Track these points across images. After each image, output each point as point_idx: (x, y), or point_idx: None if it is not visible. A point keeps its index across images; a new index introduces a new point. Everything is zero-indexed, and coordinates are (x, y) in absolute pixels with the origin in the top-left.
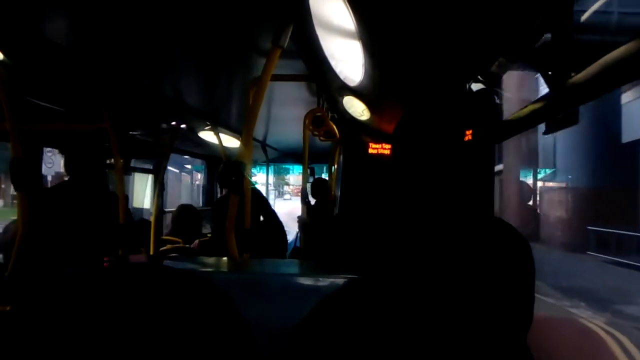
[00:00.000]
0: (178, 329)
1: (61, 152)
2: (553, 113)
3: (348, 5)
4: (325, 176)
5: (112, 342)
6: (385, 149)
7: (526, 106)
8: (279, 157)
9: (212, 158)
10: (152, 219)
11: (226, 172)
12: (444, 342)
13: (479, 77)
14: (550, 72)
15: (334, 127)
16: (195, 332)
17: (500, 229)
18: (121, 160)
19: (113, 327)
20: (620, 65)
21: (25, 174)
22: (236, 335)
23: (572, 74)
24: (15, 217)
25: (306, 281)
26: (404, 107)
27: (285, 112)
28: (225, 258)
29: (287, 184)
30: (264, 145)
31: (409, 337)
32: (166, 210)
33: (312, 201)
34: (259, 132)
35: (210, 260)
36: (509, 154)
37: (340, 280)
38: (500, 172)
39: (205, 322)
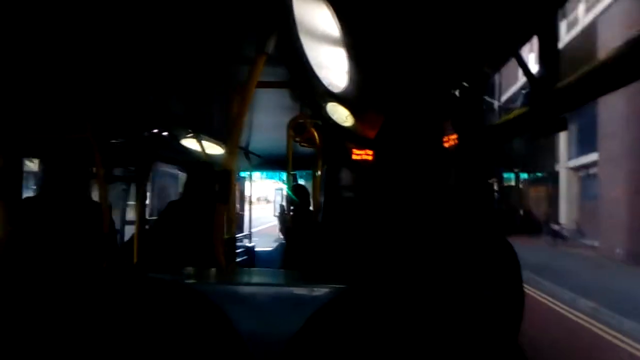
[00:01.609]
0: (170, 342)
1: (42, 161)
2: (539, 118)
3: (333, 12)
4: (309, 182)
5: (105, 355)
6: (368, 155)
7: (512, 111)
8: (262, 164)
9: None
10: (135, 228)
11: (207, 179)
12: (438, 348)
13: (464, 83)
14: (536, 77)
15: (315, 133)
16: (188, 344)
17: (485, 234)
18: (103, 170)
19: (106, 340)
20: (606, 71)
21: (5, 183)
22: (231, 347)
23: (559, 80)
24: None
25: (294, 291)
26: (387, 112)
27: (268, 118)
28: (211, 269)
29: None
30: (246, 152)
31: (403, 344)
32: (149, 219)
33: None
34: (241, 138)
35: (198, 270)
36: (609, 137)
37: (327, 290)
38: (591, 164)
39: (199, 334)
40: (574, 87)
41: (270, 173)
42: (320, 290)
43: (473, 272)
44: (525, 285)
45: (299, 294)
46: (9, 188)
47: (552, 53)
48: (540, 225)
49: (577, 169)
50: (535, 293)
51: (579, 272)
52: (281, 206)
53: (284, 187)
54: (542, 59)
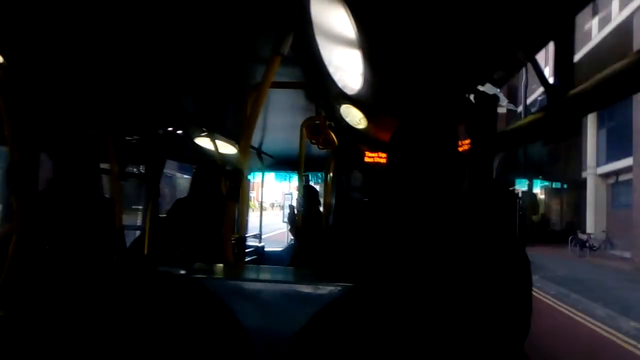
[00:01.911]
0: (177, 335)
1: (57, 156)
2: (553, 124)
3: (350, 14)
4: (318, 184)
5: (111, 347)
6: (381, 157)
7: (525, 117)
8: (274, 165)
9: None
10: (146, 225)
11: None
12: (442, 350)
13: (479, 88)
14: (551, 84)
15: (333, 135)
16: (194, 338)
17: (497, 238)
18: (117, 166)
19: (112, 332)
20: (619, 79)
21: (21, 178)
22: (235, 342)
23: (573, 87)
24: None
25: (302, 289)
26: (401, 116)
27: (282, 119)
28: (220, 265)
29: None
30: (259, 152)
31: (406, 346)
32: (161, 215)
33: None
34: (254, 138)
35: (207, 266)
36: None
37: (335, 289)
38: (623, 170)
39: (204, 328)
40: (588, 93)
41: (283, 174)
42: (327, 289)
43: (482, 277)
44: (558, 302)
45: (305, 292)
46: (25, 183)
47: (567, 60)
48: (565, 234)
49: (606, 175)
50: (571, 312)
51: (615, 287)
52: (291, 206)
53: (294, 192)
54: (557, 66)
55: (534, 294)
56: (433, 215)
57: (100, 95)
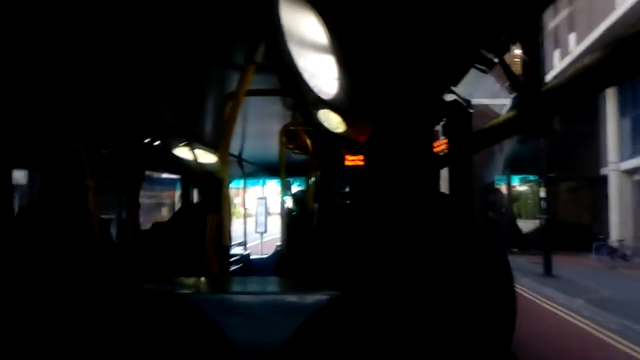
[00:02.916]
0: (163, 352)
1: (31, 173)
2: (526, 122)
3: (321, 20)
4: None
5: None
6: (361, 160)
7: (499, 117)
8: (256, 172)
9: (189, 175)
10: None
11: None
12: (430, 354)
13: (453, 88)
14: (521, 82)
15: (308, 140)
16: (181, 355)
17: (477, 239)
18: (93, 181)
19: (96, 351)
20: (589, 75)
21: None
22: (222, 356)
23: (542, 84)
24: None
25: (288, 299)
26: (377, 118)
27: (261, 126)
28: (204, 278)
29: None
30: (240, 160)
31: (394, 352)
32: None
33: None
34: (234, 146)
35: (191, 280)
36: None
37: (321, 297)
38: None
39: (190, 344)
40: (558, 90)
41: (255, 180)
42: (313, 298)
43: (464, 279)
44: (633, 346)
45: (291, 302)
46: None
47: (534, 59)
48: (583, 239)
49: (631, 171)
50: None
51: None
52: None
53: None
54: (526, 65)
55: (594, 331)
56: (410, 216)
57: (74, 108)
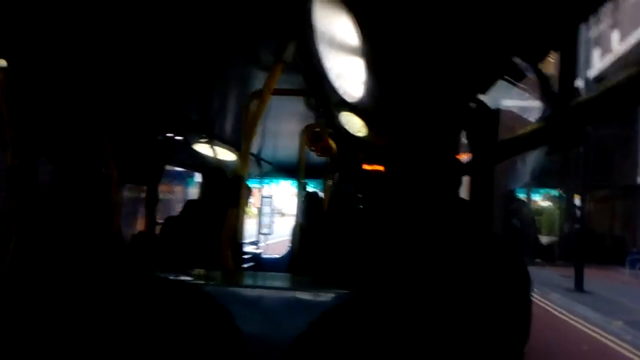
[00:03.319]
0: (176, 341)
1: (56, 161)
2: (556, 134)
3: (354, 21)
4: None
5: (109, 352)
6: (379, 167)
7: (527, 126)
8: (272, 172)
9: (209, 171)
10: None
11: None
12: (442, 357)
13: (481, 96)
14: (555, 92)
15: (332, 143)
16: (194, 344)
17: (497, 247)
18: (116, 171)
19: (111, 337)
20: (624, 89)
21: (21, 183)
22: (234, 348)
23: (575, 96)
24: None
25: (301, 296)
26: (400, 124)
27: (281, 125)
28: (219, 271)
29: None
30: (258, 159)
31: (405, 353)
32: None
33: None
34: (253, 145)
35: (205, 272)
36: None
37: (334, 296)
38: None
39: (204, 334)
40: (590, 103)
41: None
42: (326, 296)
43: (480, 286)
44: None
45: (304, 299)
46: (25, 188)
47: (571, 69)
48: (614, 251)
49: None
50: None
51: None
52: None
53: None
54: (561, 75)
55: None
56: (430, 223)
57: (100, 100)
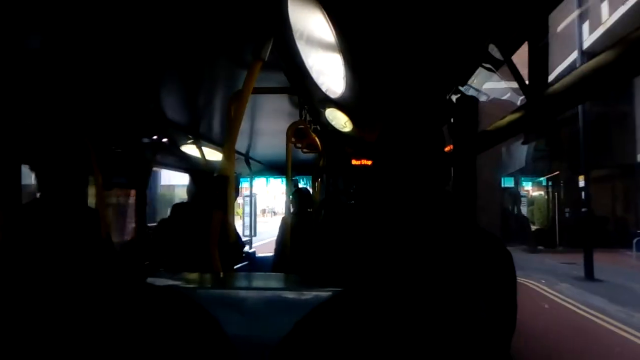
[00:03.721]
0: (161, 347)
1: (39, 167)
2: (531, 123)
3: (328, 18)
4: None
5: (94, 358)
6: (368, 160)
7: (504, 117)
8: (263, 170)
9: (197, 172)
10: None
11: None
12: (428, 354)
13: (460, 87)
14: (527, 83)
15: (317, 139)
16: (180, 350)
17: (482, 239)
18: (101, 176)
19: (97, 344)
20: (596, 76)
21: (3, 189)
22: (221, 352)
23: (548, 85)
24: None
25: (288, 295)
26: (385, 117)
27: (268, 124)
28: (206, 274)
29: None
30: (247, 158)
31: (391, 350)
32: (149, 225)
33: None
34: (241, 145)
35: (193, 276)
36: None
37: (324, 294)
38: None
39: (189, 339)
40: (563, 92)
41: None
42: (313, 294)
43: (468, 280)
44: None
45: (291, 298)
46: (6, 195)
47: (542, 60)
48: (618, 234)
49: None
50: None
51: None
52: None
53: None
54: (532, 65)
55: None
56: (419, 217)
57: (83, 104)
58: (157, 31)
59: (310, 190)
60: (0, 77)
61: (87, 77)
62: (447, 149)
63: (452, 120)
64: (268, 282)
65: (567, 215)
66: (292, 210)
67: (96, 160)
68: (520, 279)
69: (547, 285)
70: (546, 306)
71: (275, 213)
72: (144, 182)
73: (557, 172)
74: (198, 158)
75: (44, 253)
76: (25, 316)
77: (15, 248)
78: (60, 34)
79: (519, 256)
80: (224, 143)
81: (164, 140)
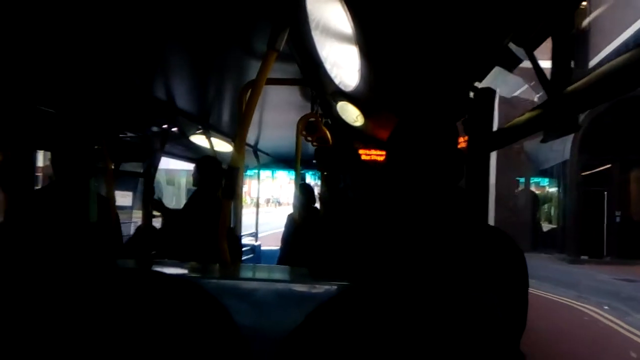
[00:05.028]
0: (172, 336)
1: (50, 154)
2: (551, 120)
3: (347, 10)
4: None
5: (105, 347)
6: (378, 155)
7: (523, 114)
8: (270, 163)
9: (202, 159)
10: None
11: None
12: (439, 349)
13: (477, 85)
14: (549, 80)
15: (328, 133)
16: (190, 339)
17: (494, 237)
18: (111, 164)
19: (106, 332)
20: (619, 75)
21: (14, 175)
22: (231, 342)
23: (570, 83)
24: None
25: (298, 288)
26: (400, 113)
27: (278, 116)
28: (215, 264)
29: None
30: (255, 150)
31: (402, 345)
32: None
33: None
34: (250, 136)
35: (202, 266)
36: None
37: (332, 287)
38: None
39: (200, 328)
40: (586, 90)
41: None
42: (323, 288)
43: (478, 275)
44: None
45: (301, 291)
46: (18, 181)
47: (565, 55)
48: None
49: None
50: None
51: None
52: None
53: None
54: (555, 61)
55: None
56: (431, 212)
57: (94, 92)
58: (171, 20)
59: (318, 185)
60: (15, 66)
61: (100, 66)
62: (460, 140)
63: (467, 116)
64: (277, 274)
65: (617, 219)
66: (296, 205)
67: (107, 148)
68: (570, 301)
69: (614, 314)
70: (633, 355)
71: (279, 203)
72: (153, 171)
73: (609, 165)
74: (206, 148)
75: (55, 236)
76: (34, 301)
77: (27, 231)
78: (74, 23)
79: (559, 267)
80: (236, 134)
81: (174, 129)
